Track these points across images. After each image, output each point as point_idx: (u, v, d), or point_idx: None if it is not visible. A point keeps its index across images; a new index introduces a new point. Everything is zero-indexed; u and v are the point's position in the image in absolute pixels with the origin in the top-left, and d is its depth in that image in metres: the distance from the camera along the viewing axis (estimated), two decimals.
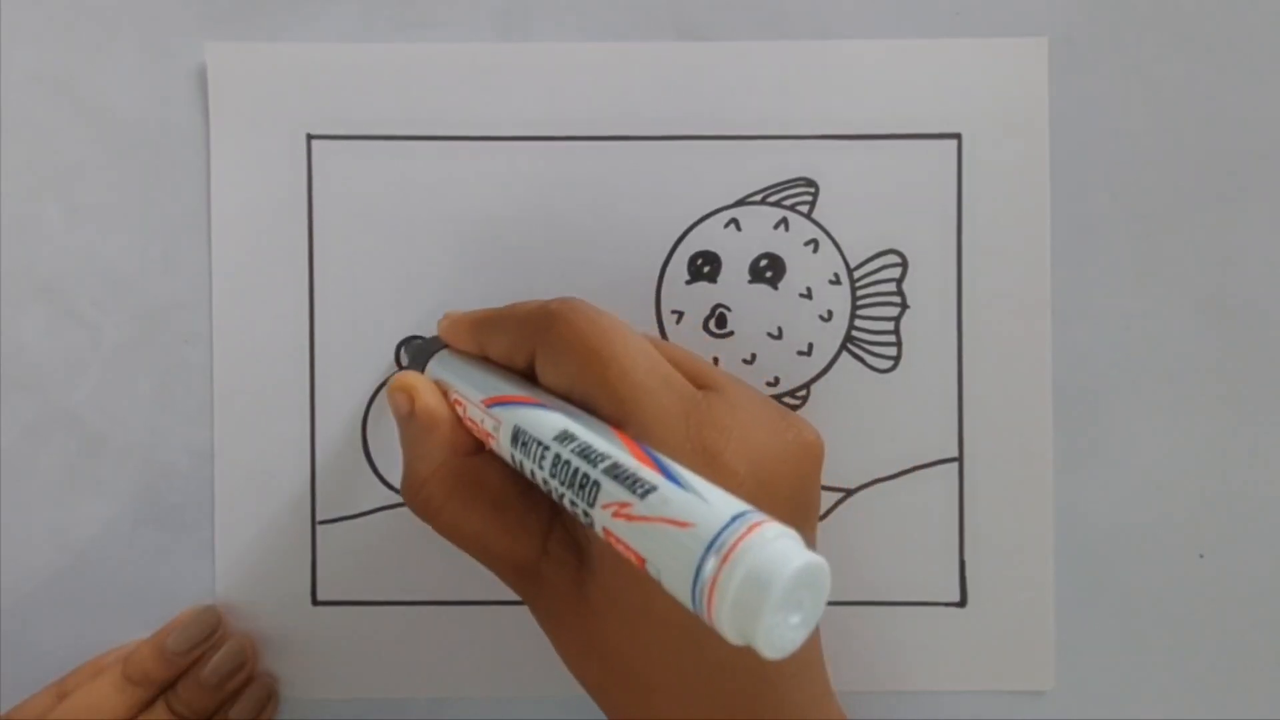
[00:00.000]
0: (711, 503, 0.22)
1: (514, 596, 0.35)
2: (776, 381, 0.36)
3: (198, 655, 0.35)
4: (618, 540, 0.23)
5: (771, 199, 0.36)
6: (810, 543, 0.29)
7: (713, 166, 0.36)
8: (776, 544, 0.20)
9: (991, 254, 0.36)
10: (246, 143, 0.36)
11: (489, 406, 0.28)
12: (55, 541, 0.37)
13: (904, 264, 0.36)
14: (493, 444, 0.28)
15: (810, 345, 0.36)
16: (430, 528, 0.30)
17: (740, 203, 0.36)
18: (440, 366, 0.32)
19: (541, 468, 0.26)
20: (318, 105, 0.36)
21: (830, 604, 0.38)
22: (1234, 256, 0.37)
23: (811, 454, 0.29)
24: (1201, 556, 0.37)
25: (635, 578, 0.25)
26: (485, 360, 0.31)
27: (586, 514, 0.24)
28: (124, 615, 0.36)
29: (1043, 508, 0.36)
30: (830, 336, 0.36)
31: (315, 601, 0.36)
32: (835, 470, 0.36)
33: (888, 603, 0.36)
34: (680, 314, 0.36)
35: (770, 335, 0.36)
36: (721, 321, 0.36)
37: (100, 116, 0.36)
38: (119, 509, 0.37)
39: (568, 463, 0.25)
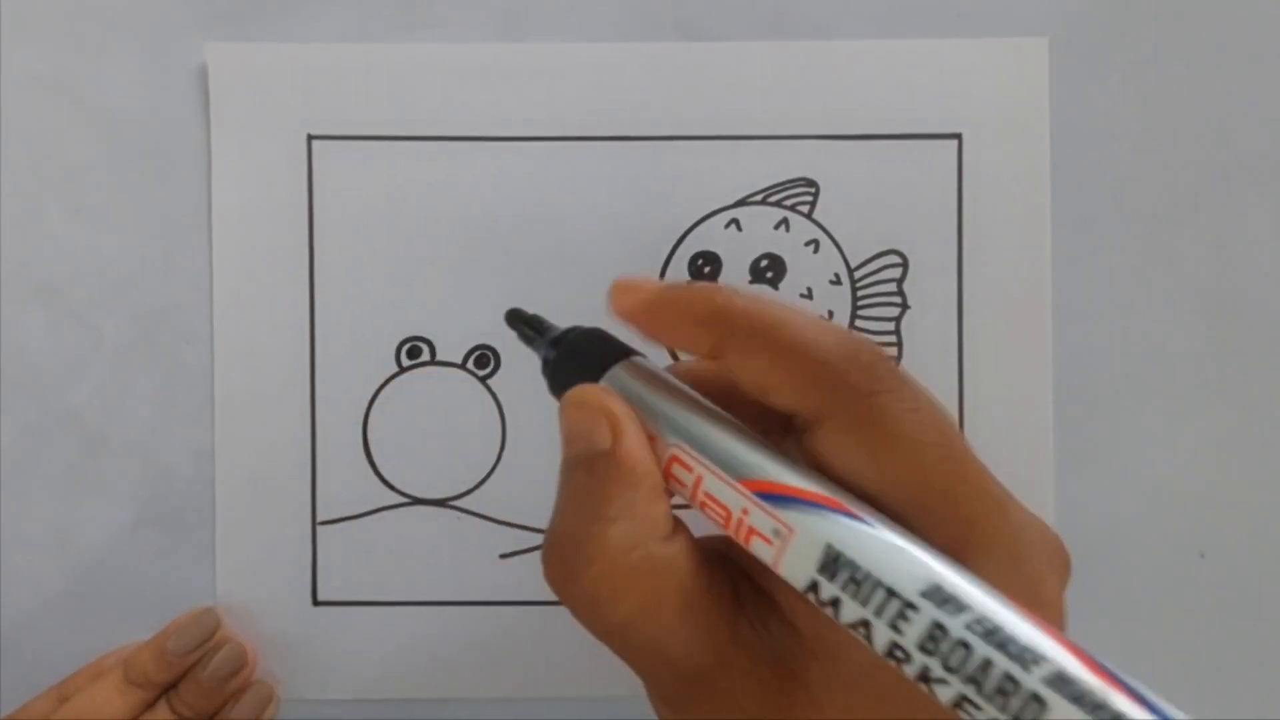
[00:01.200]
0: None
1: (515, 597, 0.35)
2: None
3: (198, 657, 0.35)
4: None
5: (772, 199, 0.36)
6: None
7: (713, 167, 0.36)
8: None
9: (991, 254, 0.36)
10: (247, 143, 0.36)
11: (762, 497, 0.19)
12: (56, 543, 0.37)
13: (904, 264, 0.36)
14: (754, 544, 0.20)
15: None
16: (574, 613, 0.21)
17: (741, 203, 0.36)
18: (638, 386, 0.22)
19: (898, 630, 0.17)
20: (318, 105, 0.36)
21: None
22: (1234, 256, 0.37)
23: (1067, 569, 0.22)
24: (1201, 556, 0.37)
25: (867, 706, 0.20)
26: (709, 392, 0.22)
27: None
28: (125, 616, 0.36)
29: (1043, 507, 0.36)
30: None
31: (315, 602, 0.36)
32: None
33: None
34: None
35: None
36: None
37: (100, 116, 0.36)
38: (119, 510, 0.37)
39: (966, 645, 0.17)
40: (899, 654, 0.18)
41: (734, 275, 0.36)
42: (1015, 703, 0.16)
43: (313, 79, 0.36)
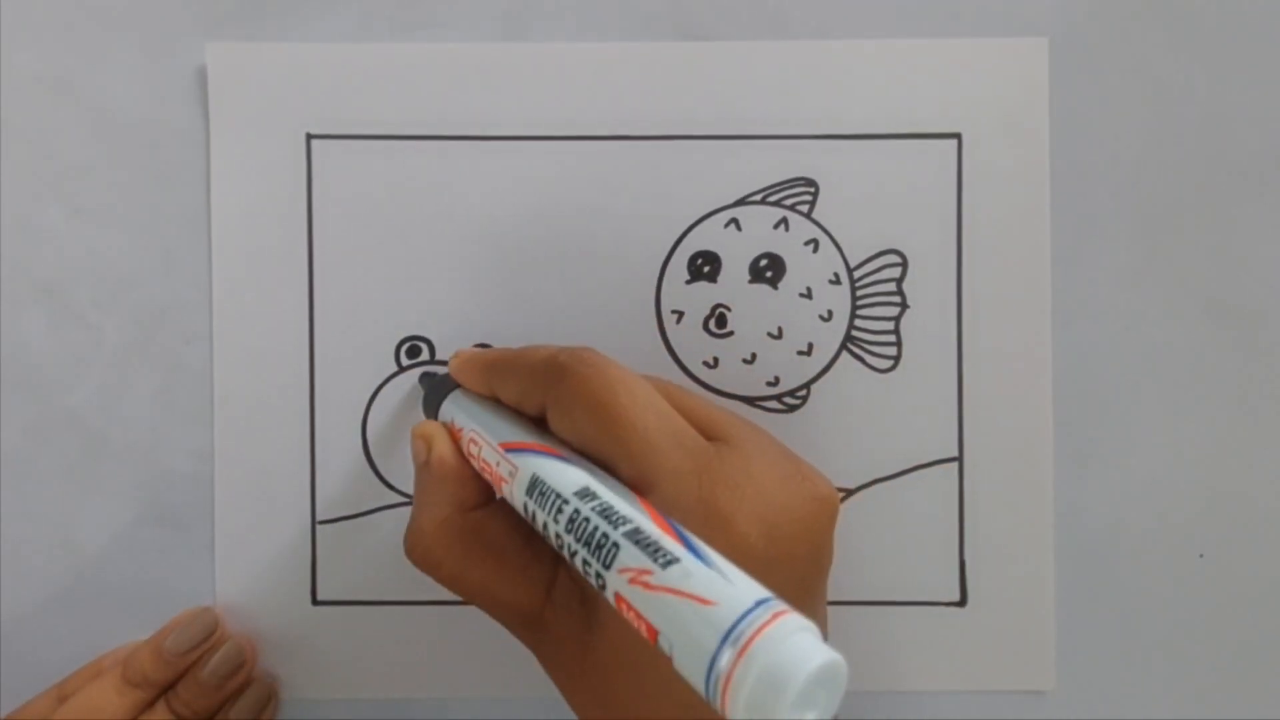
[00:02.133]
0: (735, 584, 0.21)
1: None
2: (776, 381, 0.36)
3: (197, 656, 0.35)
4: (629, 607, 0.22)
5: (771, 199, 0.36)
6: (821, 596, 0.29)
7: (713, 166, 0.36)
8: (795, 639, 0.20)
9: (991, 254, 0.36)
10: (246, 143, 0.36)
11: (506, 451, 0.28)
12: (56, 542, 0.37)
13: (904, 264, 0.36)
14: (504, 488, 0.28)
15: (810, 345, 0.36)
16: (432, 579, 0.30)
17: (740, 202, 0.36)
18: (455, 406, 0.32)
19: (556, 522, 0.25)
20: (318, 105, 0.36)
21: (830, 603, 0.38)
22: (1234, 256, 0.37)
23: (827, 509, 0.28)
24: (1201, 556, 0.37)
25: (644, 639, 0.25)
26: (499, 403, 0.31)
27: (600, 575, 0.23)
28: (124, 615, 0.36)
29: (1043, 508, 0.36)
30: (830, 336, 0.36)
31: (315, 601, 0.36)
32: (835, 470, 0.36)
33: (888, 602, 0.36)
34: (680, 314, 0.36)
35: (770, 335, 0.36)
36: (721, 321, 0.36)
37: (101, 117, 0.36)
38: (119, 509, 0.37)
39: (587, 520, 0.24)
40: (559, 542, 0.25)
41: (733, 274, 0.36)
42: (605, 549, 0.23)
43: (312, 79, 0.36)
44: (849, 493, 0.36)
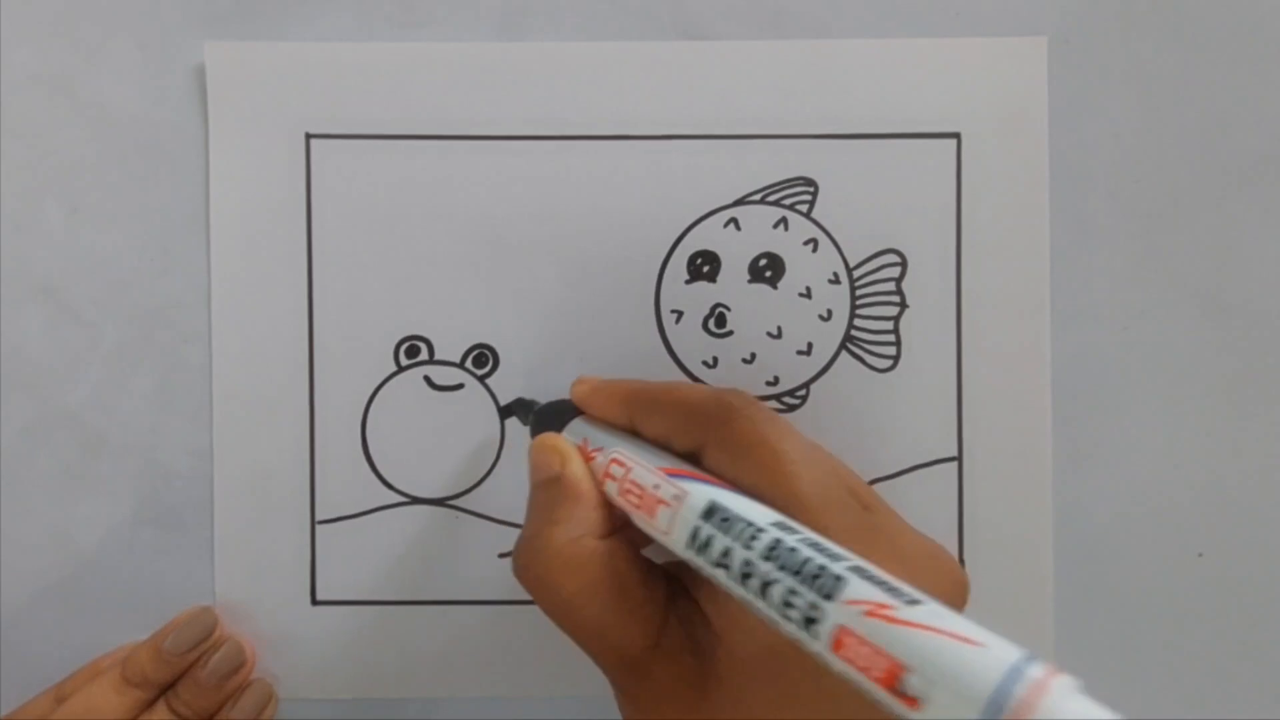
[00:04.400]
0: (988, 633, 0.20)
1: (514, 596, 0.35)
2: (776, 381, 0.36)
3: (196, 656, 0.35)
4: (863, 643, 0.20)
5: (771, 198, 0.36)
6: None
7: (712, 166, 0.36)
8: (1077, 700, 0.18)
9: (991, 253, 0.36)
10: (245, 142, 0.36)
11: (669, 475, 0.26)
12: (54, 542, 0.37)
13: (903, 263, 0.36)
14: (659, 512, 0.26)
15: (809, 345, 0.36)
16: (536, 601, 0.28)
17: (739, 202, 0.36)
18: (584, 431, 0.30)
19: (749, 548, 0.23)
20: (316, 105, 0.36)
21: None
22: (1233, 255, 0.37)
23: (961, 593, 0.27)
24: (1201, 556, 0.37)
25: (769, 682, 0.24)
26: (636, 435, 0.29)
27: (814, 607, 0.21)
28: (123, 615, 0.36)
29: (1042, 507, 0.36)
30: (830, 336, 0.36)
31: (314, 601, 0.36)
32: None
33: None
34: (679, 313, 0.36)
35: (769, 335, 0.36)
36: (721, 321, 0.36)
37: (100, 116, 0.36)
38: (118, 509, 0.37)
39: (794, 550, 0.23)
40: (748, 569, 0.23)
41: (733, 274, 0.36)
42: (825, 582, 0.22)
43: (311, 78, 0.36)
44: None
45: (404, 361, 0.36)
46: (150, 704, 0.34)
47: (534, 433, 0.33)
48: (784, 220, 0.36)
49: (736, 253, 0.36)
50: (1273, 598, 0.37)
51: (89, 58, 0.36)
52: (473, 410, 0.36)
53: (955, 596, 0.27)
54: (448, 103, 0.36)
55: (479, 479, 0.36)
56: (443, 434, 0.36)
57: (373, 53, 0.36)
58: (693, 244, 0.36)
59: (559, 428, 0.31)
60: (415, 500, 0.36)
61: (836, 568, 0.22)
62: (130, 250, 0.36)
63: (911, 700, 0.19)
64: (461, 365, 0.36)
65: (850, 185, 0.36)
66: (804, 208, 0.36)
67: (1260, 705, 0.37)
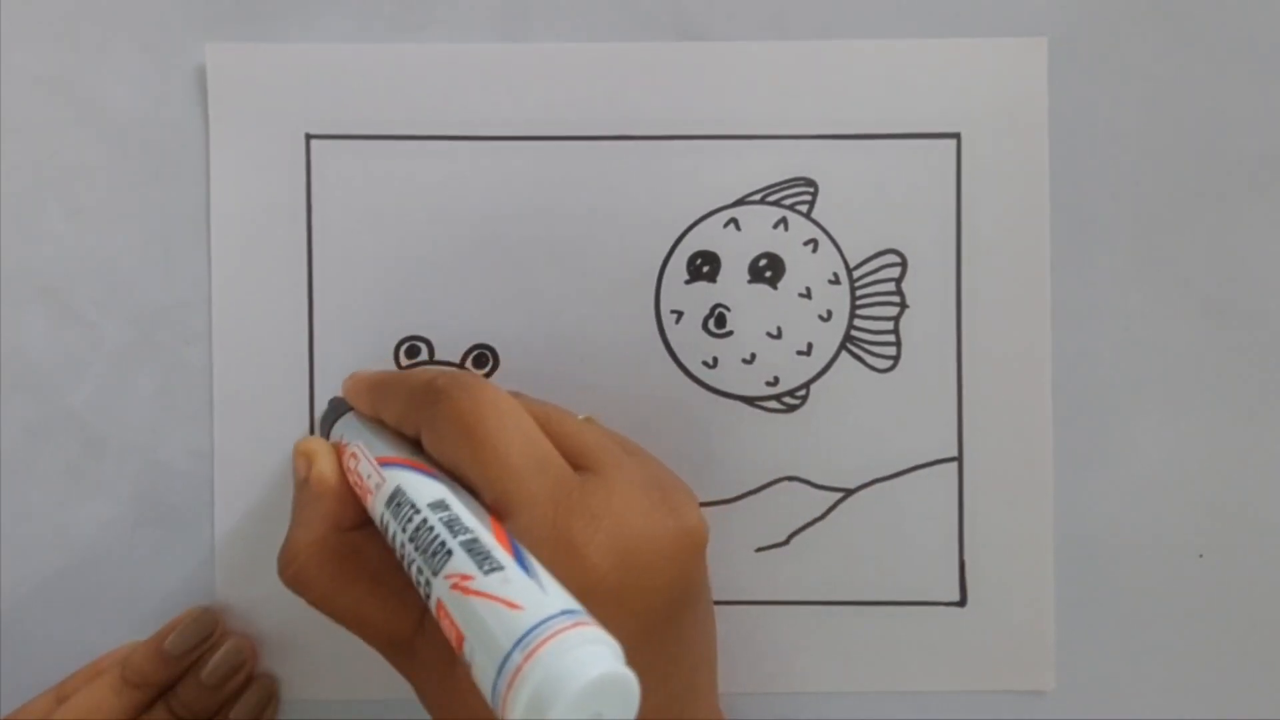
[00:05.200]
0: (547, 593, 0.21)
1: None
2: (776, 381, 0.36)
3: (196, 656, 0.35)
4: (445, 615, 0.22)
5: (771, 199, 0.36)
6: (690, 626, 0.29)
7: (712, 166, 0.36)
8: (583, 650, 0.20)
9: (991, 254, 0.36)
10: (246, 143, 0.36)
11: (380, 465, 0.28)
12: (55, 542, 0.37)
13: (903, 264, 0.36)
14: (369, 500, 0.28)
15: (809, 345, 0.36)
16: (300, 598, 0.30)
17: (739, 202, 0.36)
18: (345, 425, 0.32)
19: (404, 530, 0.25)
20: (317, 105, 0.36)
21: (830, 604, 0.38)
22: (1234, 256, 0.37)
23: (693, 540, 0.28)
24: (1201, 556, 0.37)
25: None
26: (383, 424, 0.31)
27: (428, 584, 0.23)
28: (124, 615, 0.36)
29: (1042, 508, 0.36)
30: (829, 336, 0.36)
31: None
32: (834, 470, 0.36)
33: (887, 603, 0.36)
34: (679, 314, 0.36)
35: (769, 335, 0.36)
36: (721, 321, 0.36)
37: (100, 117, 0.36)
38: (119, 509, 0.37)
39: (431, 528, 0.24)
40: (403, 551, 0.25)
41: (733, 274, 0.36)
42: (438, 556, 0.23)
43: (311, 79, 0.36)
44: (848, 493, 0.36)
45: (404, 362, 0.36)
46: (150, 704, 0.34)
47: (321, 425, 0.34)
48: (784, 220, 0.36)
49: (736, 253, 0.36)
50: (1273, 598, 0.37)
51: (90, 59, 0.36)
52: None
53: (682, 544, 0.27)
54: (448, 103, 0.36)
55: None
56: None
57: (373, 54, 0.36)
58: (693, 244, 0.36)
59: (334, 421, 0.33)
60: None
61: (451, 542, 0.23)
62: (131, 251, 0.37)
63: (467, 665, 0.21)
64: (461, 365, 0.36)
65: (850, 185, 0.36)
66: (804, 208, 0.36)
67: (1260, 705, 0.37)
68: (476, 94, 0.36)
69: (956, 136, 0.36)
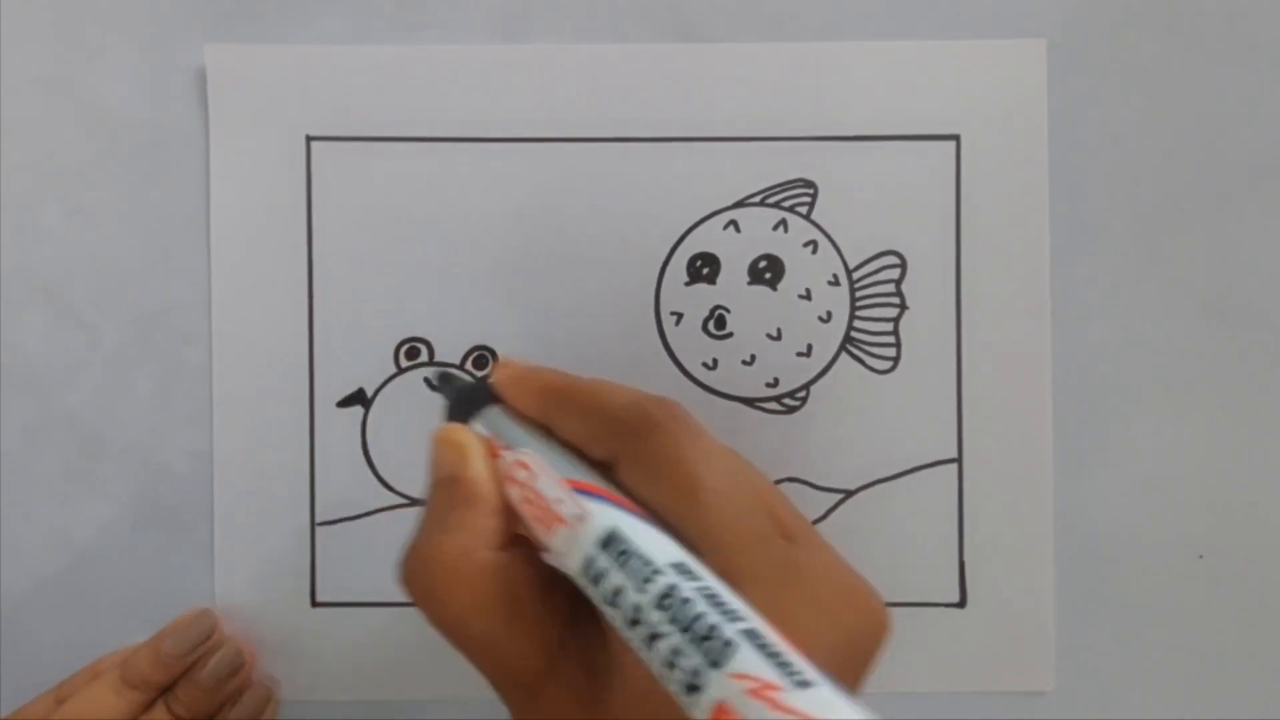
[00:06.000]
0: None
1: None
2: (776, 383, 0.36)
3: (195, 658, 0.35)
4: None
5: (770, 200, 0.36)
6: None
7: (712, 168, 0.36)
8: None
9: (990, 255, 0.36)
10: (246, 144, 0.36)
11: (576, 490, 0.24)
12: (54, 542, 0.36)
13: (903, 265, 0.36)
14: (557, 531, 0.24)
15: (809, 346, 0.36)
16: (422, 612, 0.26)
17: (739, 204, 0.36)
18: (496, 424, 0.27)
19: (642, 592, 0.21)
20: (317, 106, 0.36)
21: None
22: (1234, 257, 0.37)
23: (882, 630, 0.25)
24: (1201, 557, 0.37)
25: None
26: (550, 433, 0.27)
27: (698, 674, 0.19)
28: (123, 616, 0.36)
29: (1042, 508, 0.36)
30: (829, 337, 0.36)
31: (314, 603, 0.36)
32: (834, 472, 0.36)
33: (887, 603, 0.36)
34: (679, 315, 0.36)
35: (769, 336, 0.36)
36: (720, 323, 0.36)
37: (100, 117, 0.36)
38: (118, 510, 0.37)
39: (688, 601, 0.20)
40: (638, 615, 0.21)
41: (733, 276, 0.36)
42: (714, 645, 0.19)
43: (311, 80, 0.36)
44: (848, 494, 0.36)
45: (404, 363, 0.36)
46: (150, 706, 0.34)
47: (447, 415, 0.29)
48: (784, 222, 0.36)
49: (736, 254, 0.36)
50: (1273, 598, 0.37)
51: (89, 59, 0.36)
52: None
53: (873, 635, 0.25)
54: (448, 105, 0.36)
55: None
56: None
57: (373, 55, 0.36)
58: (692, 246, 0.36)
59: (472, 414, 0.28)
60: (415, 501, 0.36)
61: (729, 631, 0.20)
62: (131, 251, 0.36)
63: None
64: (461, 366, 0.36)
65: (850, 187, 0.36)
66: (804, 209, 0.36)
67: (1260, 705, 0.37)
68: (476, 95, 0.36)
69: (956, 138, 0.36)
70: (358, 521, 0.36)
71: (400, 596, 0.36)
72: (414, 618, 0.36)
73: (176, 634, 0.35)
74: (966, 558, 0.36)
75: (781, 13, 0.36)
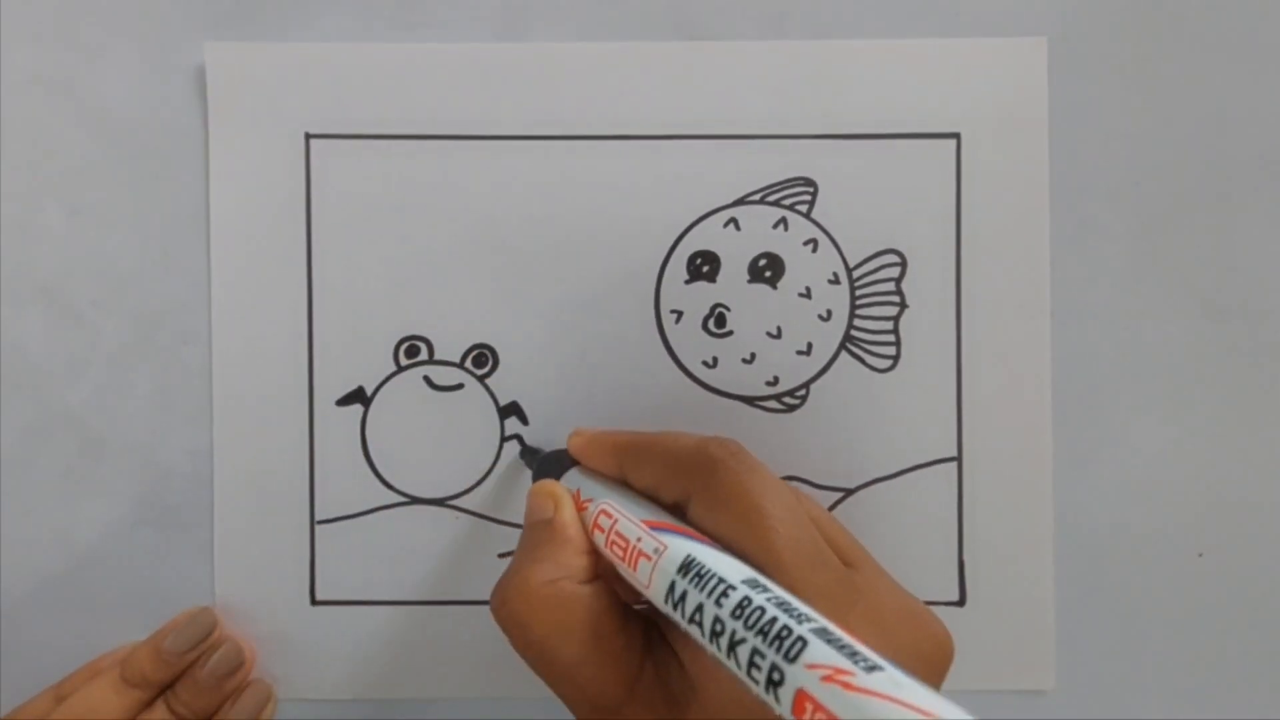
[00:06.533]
0: (945, 703, 0.20)
1: None
2: (776, 381, 0.36)
3: (195, 656, 0.35)
4: (820, 707, 0.20)
5: (770, 198, 0.36)
6: None
7: (712, 166, 0.36)
8: None
9: (990, 253, 0.36)
10: (245, 142, 0.36)
11: (652, 529, 0.27)
12: (54, 542, 0.37)
13: (903, 263, 0.36)
14: (640, 564, 0.26)
15: (809, 345, 0.36)
16: (510, 640, 0.28)
17: (739, 202, 0.36)
18: (580, 483, 0.31)
19: (720, 605, 0.24)
20: (317, 105, 0.36)
21: None
22: (1232, 256, 0.37)
23: (944, 653, 0.27)
24: (1201, 556, 0.37)
25: None
26: (627, 485, 0.30)
27: (776, 669, 0.22)
28: (123, 615, 0.36)
29: (1042, 507, 0.36)
30: (829, 336, 0.36)
31: (314, 601, 0.36)
32: (834, 470, 0.36)
33: None
34: (679, 313, 0.36)
35: (769, 335, 0.36)
36: (720, 321, 0.36)
37: (100, 117, 0.36)
38: (118, 510, 0.37)
39: (761, 609, 0.23)
40: (718, 627, 0.23)
41: (732, 274, 0.36)
42: (788, 643, 0.21)
43: (311, 78, 0.36)
44: (848, 493, 0.36)
45: (404, 361, 0.36)
46: (149, 704, 0.34)
47: (535, 479, 0.33)
48: (784, 220, 0.36)
49: (736, 253, 0.36)
50: (1273, 598, 0.37)
51: (89, 59, 0.36)
52: (473, 410, 0.36)
53: (936, 657, 0.27)
54: (447, 103, 0.36)
55: (479, 479, 0.36)
56: (443, 434, 0.36)
57: (373, 53, 0.36)
58: (692, 244, 0.36)
59: (557, 476, 0.32)
60: (415, 500, 0.36)
61: (801, 629, 0.22)
62: (130, 251, 0.36)
63: None
64: (461, 365, 0.36)
65: (850, 185, 0.36)
66: (804, 208, 0.36)
67: (1260, 705, 0.37)
68: (476, 94, 0.36)
69: (956, 136, 0.36)
70: (357, 520, 0.36)
71: (400, 595, 0.36)
72: (414, 617, 0.37)
73: (176, 632, 0.35)
74: (966, 556, 0.36)
75: (781, 11, 0.36)
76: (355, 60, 0.36)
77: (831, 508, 0.36)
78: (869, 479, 0.36)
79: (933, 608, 0.36)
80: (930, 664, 0.27)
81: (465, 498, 0.36)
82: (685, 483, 0.28)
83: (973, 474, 0.36)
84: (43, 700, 0.35)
